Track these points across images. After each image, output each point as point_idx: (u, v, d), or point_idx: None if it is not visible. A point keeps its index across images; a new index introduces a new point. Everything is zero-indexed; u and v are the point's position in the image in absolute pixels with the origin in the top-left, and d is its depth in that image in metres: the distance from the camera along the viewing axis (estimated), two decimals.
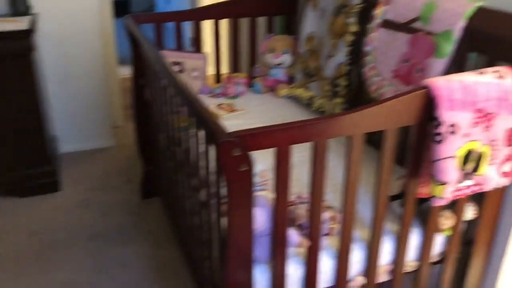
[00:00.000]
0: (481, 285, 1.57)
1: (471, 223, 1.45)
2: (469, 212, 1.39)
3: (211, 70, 2.53)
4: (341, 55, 1.98)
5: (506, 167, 1.24)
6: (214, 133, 1.05)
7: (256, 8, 2.44)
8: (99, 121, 3.04)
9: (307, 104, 2.21)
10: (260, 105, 2.30)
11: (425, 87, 1.13)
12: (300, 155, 1.31)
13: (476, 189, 1.23)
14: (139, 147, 2.45)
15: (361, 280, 1.34)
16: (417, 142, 1.19)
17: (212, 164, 1.24)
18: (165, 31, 2.34)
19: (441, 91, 1.11)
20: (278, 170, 1.07)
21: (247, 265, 1.13)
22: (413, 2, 1.57)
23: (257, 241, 1.14)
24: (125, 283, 1.97)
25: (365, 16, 1.85)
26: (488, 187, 1.25)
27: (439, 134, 1.12)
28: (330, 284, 1.31)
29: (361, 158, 1.14)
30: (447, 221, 1.37)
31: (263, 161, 1.35)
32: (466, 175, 1.19)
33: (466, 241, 1.49)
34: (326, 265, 1.29)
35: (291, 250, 1.22)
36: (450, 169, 1.15)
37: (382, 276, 1.40)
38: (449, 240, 1.43)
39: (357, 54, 1.90)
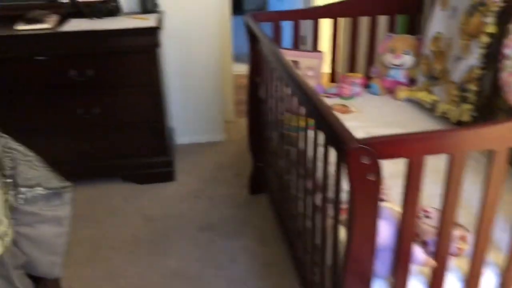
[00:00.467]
0: None
1: None
2: None
3: (326, 69, 2.48)
4: (473, 58, 1.81)
5: None
6: (340, 138, 1.01)
7: (377, 6, 2.34)
8: (212, 116, 3.14)
9: (429, 108, 2.06)
10: (377, 107, 2.21)
11: None
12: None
13: None
14: (250, 143, 2.48)
15: None
16: None
17: (331, 168, 1.19)
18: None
19: None
20: (409, 182, 1.00)
21: (366, 279, 1.08)
22: None
23: (378, 255, 1.08)
24: (230, 277, 2.01)
25: (505, 16, 1.68)
26: None
27: None
28: None
29: (504, 176, 1.02)
30: None
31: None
32: None
33: None
34: None
35: (414, 268, 1.14)
36: None
37: None
38: None
39: (492, 57, 1.73)
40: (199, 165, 2.90)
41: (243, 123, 3.46)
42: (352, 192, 0.98)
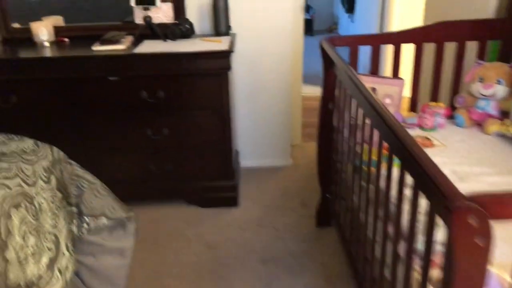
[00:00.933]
0: None
1: None
2: None
3: (405, 97, 2.31)
4: None
5: None
6: (442, 192, 0.86)
7: (466, 31, 2.15)
8: (278, 139, 3.05)
9: None
10: (462, 141, 2.01)
11: None
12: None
13: None
14: (319, 173, 2.34)
15: None
16: None
17: (421, 217, 1.04)
18: (345, 52, 2.20)
19: None
20: None
21: None
22: None
23: None
24: None
25: None
26: None
27: None
28: None
29: None
30: None
31: None
32: None
33: None
34: None
35: None
36: None
37: None
38: None
39: None
40: (264, 190, 2.80)
41: (310, 147, 3.34)
42: (455, 256, 0.83)
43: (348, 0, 5.75)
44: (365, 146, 1.68)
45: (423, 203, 1.03)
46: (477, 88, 2.11)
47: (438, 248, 1.08)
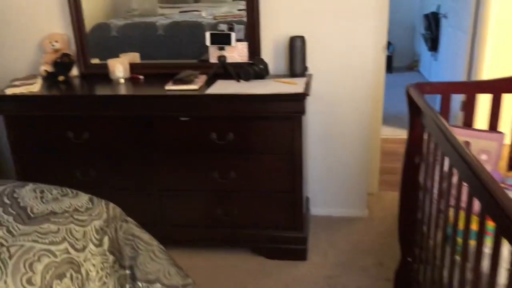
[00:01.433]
0: None
1: None
2: None
3: (505, 154, 2.02)
4: None
5: None
6: None
7: None
8: (353, 186, 2.82)
9: None
10: None
11: None
12: None
13: None
14: (400, 233, 2.09)
15: None
16: None
17: None
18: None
19: None
20: None
21: None
22: None
23: None
24: None
25: None
26: None
27: None
28: None
29: None
30: None
31: None
32: None
33: None
34: None
35: None
36: None
37: None
38: None
39: None
40: (335, 244, 2.58)
41: (388, 197, 3.07)
42: None
43: (431, 38, 5.45)
44: (461, 212, 1.44)
45: None
46: None
47: None
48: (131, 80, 2.59)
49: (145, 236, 1.26)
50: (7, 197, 1.07)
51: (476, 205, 1.22)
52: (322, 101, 2.66)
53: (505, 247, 1.04)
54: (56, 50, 2.65)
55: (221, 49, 2.48)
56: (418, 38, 6.48)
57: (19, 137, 2.44)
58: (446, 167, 1.50)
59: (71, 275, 0.93)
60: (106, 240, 1.08)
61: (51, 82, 2.58)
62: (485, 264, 1.16)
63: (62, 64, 2.62)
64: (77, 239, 1.00)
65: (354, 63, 2.57)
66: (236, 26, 2.57)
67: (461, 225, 1.42)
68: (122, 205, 2.51)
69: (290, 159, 2.31)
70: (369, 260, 2.42)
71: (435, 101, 2.11)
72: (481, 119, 2.12)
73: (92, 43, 2.69)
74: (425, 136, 1.83)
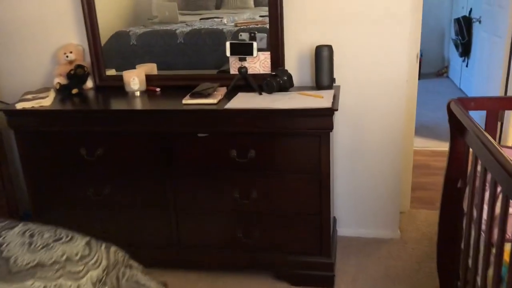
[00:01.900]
0: None
1: None
2: None
3: None
4: None
5: None
6: None
7: None
8: (383, 205, 2.62)
9: None
10: None
11: None
12: None
13: None
14: (438, 265, 1.89)
15: None
16: None
17: None
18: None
19: None
20: None
21: None
22: None
23: None
24: None
25: None
26: None
27: None
28: None
29: None
30: None
31: None
32: None
33: None
34: None
35: None
36: None
37: None
38: None
39: None
40: (365, 269, 2.38)
41: (421, 216, 2.85)
42: None
43: (462, 43, 5.19)
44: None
45: None
46: None
47: None
48: (147, 92, 2.45)
49: (153, 284, 1.10)
50: None
51: None
52: (350, 114, 2.48)
53: None
54: (70, 62, 2.54)
55: (242, 59, 2.32)
56: (448, 44, 6.22)
57: (30, 153, 2.32)
58: (498, 194, 1.31)
59: None
60: None
61: (64, 95, 2.46)
62: None
63: (76, 76, 2.50)
64: None
65: (385, 73, 2.37)
66: (258, 35, 2.40)
67: None
68: (137, 226, 2.39)
69: (316, 179, 2.13)
70: None
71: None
72: None
73: (110, 52, 2.58)
74: (470, 157, 1.63)
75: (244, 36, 2.42)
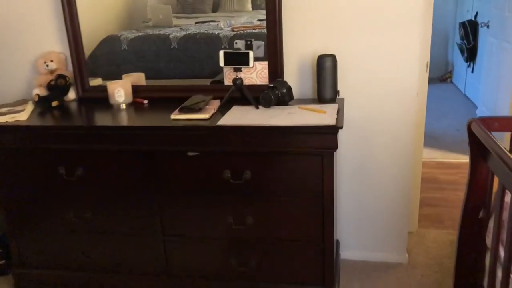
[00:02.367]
0: None
1: None
2: None
3: None
4: None
5: None
6: None
7: None
8: (391, 225, 2.42)
9: None
10: None
11: None
12: None
13: None
14: None
15: None
16: None
17: None
18: None
19: None
20: None
21: None
22: None
23: None
24: None
25: None
26: None
27: None
28: None
29: None
30: None
31: None
32: None
33: None
34: None
35: None
36: None
37: None
38: None
39: None
40: None
41: (430, 237, 2.65)
42: None
43: (468, 47, 5.00)
44: None
45: None
46: None
47: None
48: (134, 105, 2.25)
49: None
50: None
51: None
52: (355, 129, 2.28)
53: None
54: (51, 71, 2.34)
55: (237, 70, 2.12)
56: (452, 48, 6.03)
57: (4, 171, 2.12)
58: None
59: None
60: None
61: (43, 108, 2.26)
62: None
63: (57, 87, 2.30)
64: None
65: (394, 85, 2.18)
66: (255, 43, 2.21)
67: None
68: (122, 252, 2.19)
69: (318, 203, 1.93)
70: None
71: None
72: None
73: (100, 58, 2.38)
74: (494, 183, 1.43)
75: (240, 44, 2.22)
